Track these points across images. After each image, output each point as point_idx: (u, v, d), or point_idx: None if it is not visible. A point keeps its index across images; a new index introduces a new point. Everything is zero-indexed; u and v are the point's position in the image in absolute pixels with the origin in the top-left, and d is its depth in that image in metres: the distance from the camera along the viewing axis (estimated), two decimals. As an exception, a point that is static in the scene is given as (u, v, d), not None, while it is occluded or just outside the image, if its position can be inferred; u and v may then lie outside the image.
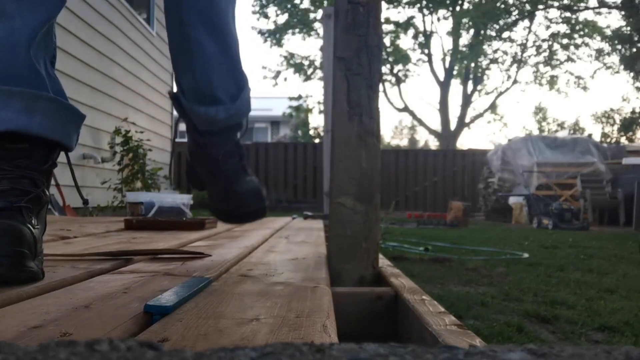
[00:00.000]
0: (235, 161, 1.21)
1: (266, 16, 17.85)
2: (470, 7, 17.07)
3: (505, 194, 9.42)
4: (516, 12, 17.33)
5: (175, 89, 1.25)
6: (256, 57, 51.27)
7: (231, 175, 1.20)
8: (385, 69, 17.81)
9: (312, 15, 17.47)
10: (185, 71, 1.16)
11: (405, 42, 54.74)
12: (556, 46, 18.30)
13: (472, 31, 17.81)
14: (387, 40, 17.52)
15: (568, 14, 17.44)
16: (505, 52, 18.84)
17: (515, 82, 19.06)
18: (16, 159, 0.89)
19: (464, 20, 17.18)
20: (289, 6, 17.22)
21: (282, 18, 17.70)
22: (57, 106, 0.96)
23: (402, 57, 18.26)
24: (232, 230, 2.10)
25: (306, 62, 18.43)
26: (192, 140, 1.23)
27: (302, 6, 17.39)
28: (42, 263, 0.85)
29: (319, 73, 17.49)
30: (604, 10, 16.96)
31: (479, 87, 19.37)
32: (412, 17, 18.05)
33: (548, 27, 18.24)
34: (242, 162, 1.23)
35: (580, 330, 1.71)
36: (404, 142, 41.25)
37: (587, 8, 17.04)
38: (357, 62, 1.08)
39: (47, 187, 0.94)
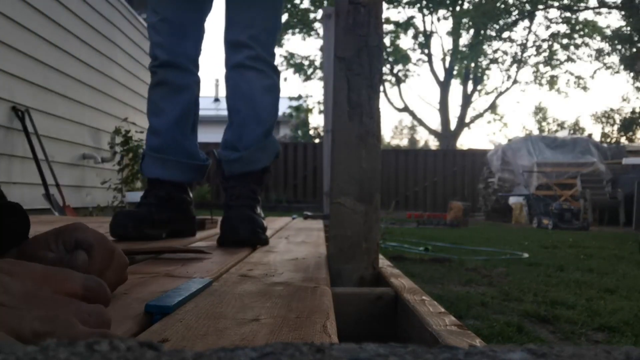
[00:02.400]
0: (244, 202, 1.55)
1: (266, 16, 17.82)
2: (470, 7, 17.07)
3: (505, 194, 9.42)
4: (516, 12, 17.33)
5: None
6: (256, 57, 51.07)
7: (235, 208, 1.53)
8: (385, 69, 17.81)
9: (312, 15, 17.47)
10: (227, 131, 1.66)
11: (405, 42, 54.79)
12: (556, 46, 18.30)
13: (472, 31, 17.81)
14: (387, 40, 17.53)
15: (568, 14, 17.44)
16: (505, 52, 18.85)
17: (515, 82, 19.07)
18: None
19: (464, 20, 17.18)
20: (289, 6, 17.22)
21: (282, 18, 17.70)
22: (182, 164, 1.66)
23: (402, 57, 18.26)
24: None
25: (306, 62, 18.43)
26: (222, 188, 1.66)
27: (302, 6, 17.39)
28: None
29: (319, 73, 17.49)
30: (604, 10, 16.96)
31: (479, 87, 19.38)
32: (412, 17, 18.06)
33: (548, 27, 18.25)
34: (252, 203, 1.57)
35: (580, 330, 1.71)
36: (404, 142, 41.28)
37: (587, 8, 17.04)
38: (358, 62, 1.08)
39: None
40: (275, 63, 1.69)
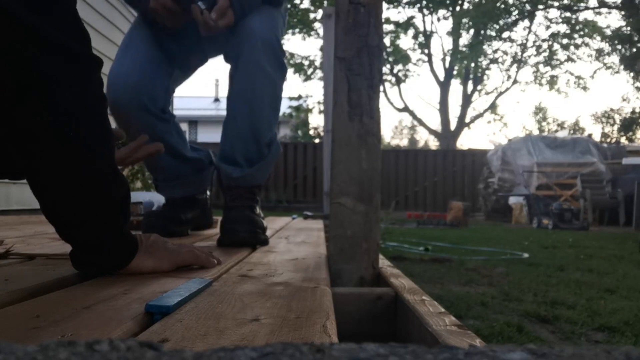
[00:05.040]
0: (243, 203, 1.54)
1: (266, 16, 17.78)
2: (470, 7, 17.06)
3: (505, 194, 9.42)
4: (516, 12, 17.32)
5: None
6: (256, 57, 51.10)
7: (234, 209, 1.51)
8: (385, 69, 17.81)
9: (312, 15, 17.46)
10: (224, 139, 1.57)
11: (405, 42, 54.83)
12: (556, 46, 18.29)
13: (472, 31, 17.80)
14: (387, 40, 17.52)
15: (568, 14, 17.44)
16: (505, 52, 18.83)
17: (515, 82, 19.05)
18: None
19: (464, 20, 17.17)
20: (289, 6, 17.18)
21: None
22: (192, 181, 1.80)
23: (402, 57, 18.25)
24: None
25: (306, 62, 18.42)
26: (221, 190, 1.62)
27: (302, 6, 17.38)
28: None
29: (319, 73, 17.47)
30: (604, 10, 16.96)
31: (479, 87, 19.36)
32: (412, 17, 18.05)
33: (548, 27, 18.24)
34: (252, 203, 1.56)
35: (580, 330, 1.71)
36: (404, 142, 41.28)
37: (587, 8, 17.04)
38: (358, 62, 1.08)
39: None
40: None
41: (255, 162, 1.57)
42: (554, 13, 23.47)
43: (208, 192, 1.88)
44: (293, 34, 18.01)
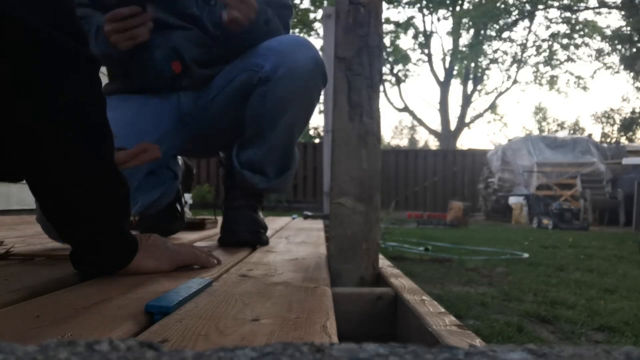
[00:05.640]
0: (245, 202, 1.51)
1: (266, 16, 17.79)
2: (470, 7, 17.07)
3: (505, 194, 9.42)
4: (516, 12, 17.33)
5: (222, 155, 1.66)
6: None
7: (236, 208, 1.50)
8: (385, 69, 17.82)
9: (312, 15, 17.47)
10: (250, 147, 1.47)
11: (405, 42, 54.83)
12: (556, 46, 18.30)
13: (472, 31, 17.82)
14: (387, 40, 17.53)
15: (568, 14, 17.45)
16: (505, 52, 18.86)
17: (515, 82, 19.07)
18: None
19: (464, 20, 17.18)
20: (288, 7, 17.18)
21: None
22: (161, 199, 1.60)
23: (402, 57, 18.27)
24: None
25: (306, 62, 18.40)
26: (225, 187, 1.58)
27: (302, 6, 17.39)
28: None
29: (319, 73, 17.46)
30: (604, 10, 16.97)
31: (479, 87, 19.38)
32: (412, 17, 18.08)
33: (548, 27, 18.29)
34: (254, 203, 1.53)
35: (580, 330, 1.71)
36: (404, 142, 41.26)
37: (587, 8, 17.05)
38: (358, 62, 1.08)
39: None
40: None
41: (282, 172, 1.53)
42: (554, 13, 23.53)
43: (179, 162, 1.70)
44: (293, 34, 17.98)
